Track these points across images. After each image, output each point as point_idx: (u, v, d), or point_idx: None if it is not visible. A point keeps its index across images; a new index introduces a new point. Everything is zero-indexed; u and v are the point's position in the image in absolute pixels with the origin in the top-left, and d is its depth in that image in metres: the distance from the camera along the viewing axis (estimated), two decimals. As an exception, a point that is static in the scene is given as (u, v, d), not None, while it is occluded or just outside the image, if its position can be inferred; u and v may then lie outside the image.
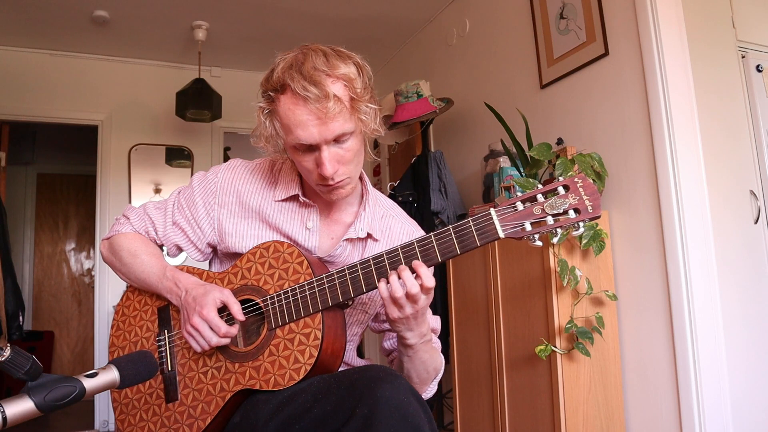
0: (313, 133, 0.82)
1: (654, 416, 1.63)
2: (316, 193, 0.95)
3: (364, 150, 0.92)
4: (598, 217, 0.79)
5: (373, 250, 0.98)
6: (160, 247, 1.05)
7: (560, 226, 0.79)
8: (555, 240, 0.80)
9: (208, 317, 0.87)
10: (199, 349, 0.90)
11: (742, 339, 1.64)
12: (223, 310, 0.91)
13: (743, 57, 1.83)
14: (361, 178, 1.01)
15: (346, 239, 0.95)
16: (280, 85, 0.84)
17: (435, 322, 1.06)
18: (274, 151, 0.90)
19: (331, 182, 0.88)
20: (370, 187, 1.02)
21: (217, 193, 0.99)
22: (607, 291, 1.68)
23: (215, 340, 0.88)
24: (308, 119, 0.82)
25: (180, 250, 1.04)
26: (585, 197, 0.78)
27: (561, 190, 0.79)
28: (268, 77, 0.86)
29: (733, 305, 1.63)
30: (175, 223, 1.02)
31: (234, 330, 0.89)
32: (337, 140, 0.85)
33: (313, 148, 0.85)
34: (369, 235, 0.97)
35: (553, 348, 1.58)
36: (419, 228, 1.06)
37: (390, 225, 1.01)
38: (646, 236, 1.67)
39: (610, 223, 1.78)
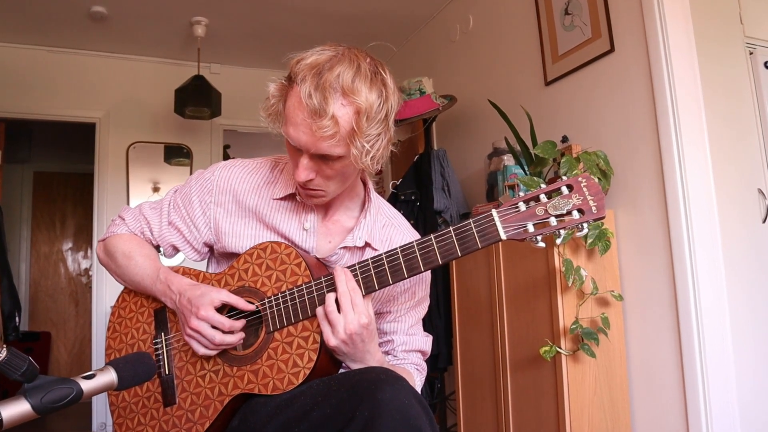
0: (301, 139, 0.81)
1: (661, 418, 1.62)
2: None
3: (354, 174, 0.90)
4: (603, 217, 0.77)
5: None
6: (156, 247, 1.03)
7: (563, 227, 0.78)
8: (559, 241, 0.79)
9: (207, 316, 0.86)
10: (202, 351, 0.88)
11: (750, 339, 1.62)
12: (221, 311, 0.89)
13: (751, 53, 1.81)
14: (364, 184, 1.00)
15: (343, 247, 0.94)
16: (296, 78, 0.81)
17: (425, 344, 1.04)
18: (272, 128, 0.89)
19: (303, 186, 0.87)
20: (373, 194, 1.00)
21: (213, 191, 0.98)
22: (613, 291, 1.66)
23: (219, 338, 0.86)
24: (301, 124, 0.80)
25: (176, 250, 1.03)
26: (589, 197, 0.77)
27: (564, 189, 0.78)
28: (298, 61, 0.83)
29: (740, 306, 1.62)
30: (171, 223, 1.00)
31: (239, 324, 0.88)
32: (323, 156, 0.83)
33: (298, 149, 0.84)
34: (367, 244, 0.95)
35: (557, 349, 1.56)
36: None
37: (391, 235, 0.99)
38: (653, 235, 1.65)
39: (616, 222, 1.76)
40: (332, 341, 0.82)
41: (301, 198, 0.93)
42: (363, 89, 0.79)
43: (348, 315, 0.82)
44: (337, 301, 0.83)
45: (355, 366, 0.86)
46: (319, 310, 0.84)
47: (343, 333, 0.81)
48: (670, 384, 1.59)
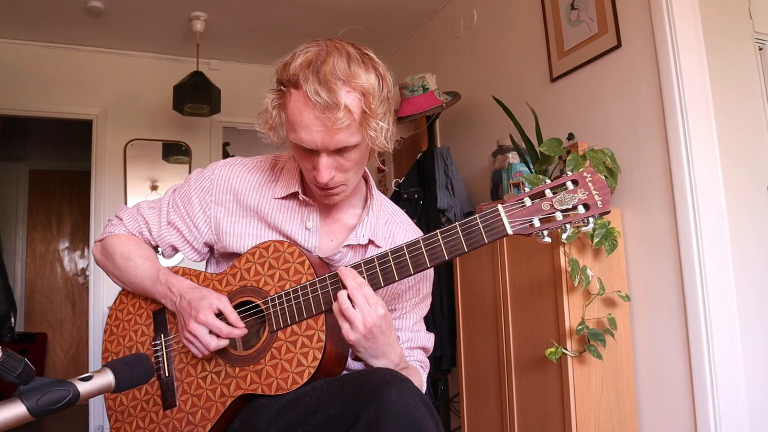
0: (316, 139, 0.80)
1: (668, 421, 1.60)
2: None
3: (366, 159, 0.90)
4: (608, 212, 0.78)
5: None
6: (155, 248, 1.02)
7: (569, 222, 0.78)
8: (564, 237, 0.79)
9: (206, 321, 0.85)
10: (200, 355, 0.88)
11: (760, 340, 1.60)
12: (221, 315, 0.88)
13: (761, 49, 1.79)
14: (366, 180, 0.99)
15: (347, 245, 0.93)
16: (294, 80, 0.80)
17: (428, 340, 1.04)
18: (276, 141, 0.88)
19: (324, 187, 0.86)
20: (375, 191, 0.99)
21: (213, 190, 0.97)
22: (620, 291, 1.64)
23: (214, 344, 0.85)
24: (314, 124, 0.79)
25: (176, 250, 1.01)
26: (594, 192, 0.78)
27: (570, 185, 0.79)
28: (286, 65, 0.82)
29: (749, 306, 1.60)
30: (170, 223, 0.99)
31: (237, 332, 0.87)
32: (339, 150, 0.82)
33: (313, 151, 0.83)
34: (371, 242, 0.95)
35: (563, 350, 1.54)
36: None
37: (394, 232, 0.99)
38: (660, 235, 1.63)
39: (623, 221, 1.74)
40: (352, 336, 0.81)
41: (320, 198, 0.91)
42: (360, 72, 0.80)
43: (364, 308, 0.80)
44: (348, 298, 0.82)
45: (376, 363, 0.85)
46: (335, 306, 0.83)
47: (363, 327, 0.80)
48: (678, 385, 1.57)
